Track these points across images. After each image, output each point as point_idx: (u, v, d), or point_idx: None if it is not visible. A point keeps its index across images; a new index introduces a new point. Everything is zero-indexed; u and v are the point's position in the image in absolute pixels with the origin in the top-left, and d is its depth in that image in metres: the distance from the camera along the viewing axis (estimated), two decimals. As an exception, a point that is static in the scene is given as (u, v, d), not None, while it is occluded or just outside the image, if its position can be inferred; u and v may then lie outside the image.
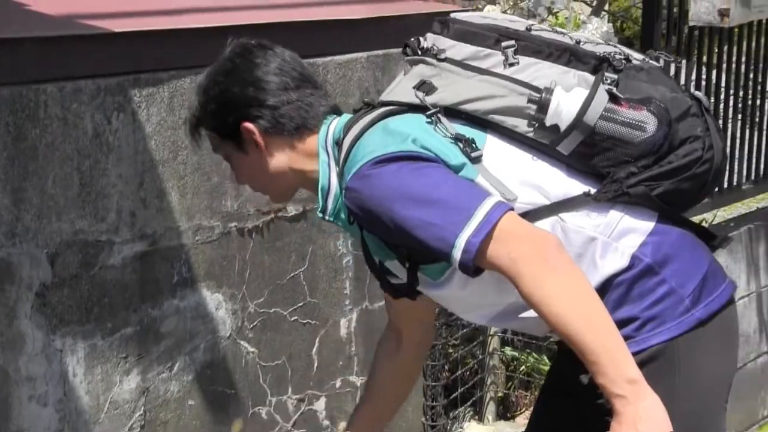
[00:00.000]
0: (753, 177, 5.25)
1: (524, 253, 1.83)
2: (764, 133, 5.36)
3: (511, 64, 2.02)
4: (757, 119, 5.25)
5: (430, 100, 2.03)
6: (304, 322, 3.57)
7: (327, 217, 2.20)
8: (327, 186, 2.16)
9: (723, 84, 5.06)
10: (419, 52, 2.12)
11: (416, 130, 1.99)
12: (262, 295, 3.39)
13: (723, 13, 4.27)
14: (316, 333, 3.63)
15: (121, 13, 3.20)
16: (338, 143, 2.11)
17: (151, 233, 3.02)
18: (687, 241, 2.02)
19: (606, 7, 6.10)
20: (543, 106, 1.97)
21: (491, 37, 2.07)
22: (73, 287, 2.82)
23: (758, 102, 5.26)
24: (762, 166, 5.33)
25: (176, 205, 3.09)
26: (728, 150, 4.63)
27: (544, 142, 2.01)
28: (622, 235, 1.95)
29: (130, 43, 3.04)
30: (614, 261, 1.94)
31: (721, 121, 4.87)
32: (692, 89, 3.98)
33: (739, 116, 5.21)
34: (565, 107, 1.95)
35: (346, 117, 2.18)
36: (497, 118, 2.03)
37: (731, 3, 4.27)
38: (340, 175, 2.10)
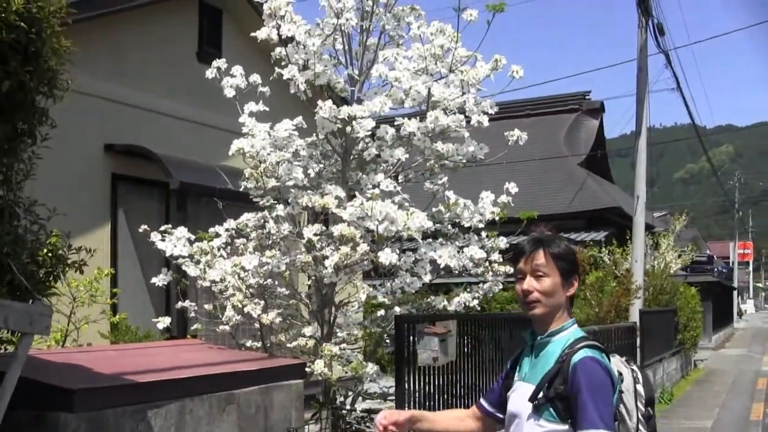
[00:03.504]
0: None
1: None
2: None
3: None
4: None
5: (621, 385, 2.63)
6: None
7: (540, 339, 2.68)
8: (557, 333, 2.66)
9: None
10: (626, 361, 2.75)
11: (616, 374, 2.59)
12: None
13: (435, 359, 5.44)
14: None
15: (134, 372, 4.10)
16: (584, 338, 2.62)
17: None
18: None
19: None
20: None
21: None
22: None
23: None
24: None
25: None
26: None
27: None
28: None
29: (151, 388, 3.90)
30: None
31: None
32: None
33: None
34: None
35: (580, 330, 2.70)
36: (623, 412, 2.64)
37: (439, 354, 5.42)
38: (571, 343, 2.58)
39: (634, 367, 2.76)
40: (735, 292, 48.75)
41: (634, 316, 14.57)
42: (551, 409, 2.54)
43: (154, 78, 10.32)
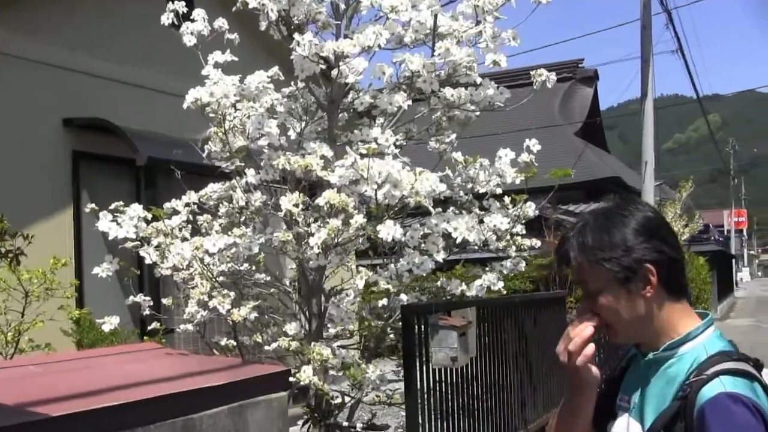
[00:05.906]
0: None
1: None
2: None
3: None
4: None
5: None
6: None
7: (654, 355, 1.78)
8: (678, 345, 1.75)
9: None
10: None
11: None
12: None
13: (453, 359, 4.49)
14: None
15: (53, 399, 3.30)
16: (725, 354, 1.69)
17: None
18: None
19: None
20: None
21: None
22: None
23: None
24: None
25: None
26: None
27: None
28: None
29: (65, 421, 3.21)
30: None
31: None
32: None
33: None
34: None
35: (718, 338, 1.76)
36: None
37: (458, 352, 4.44)
38: (701, 365, 1.67)
39: None
40: (734, 261, 48.00)
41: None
42: None
43: (118, 44, 9.07)
